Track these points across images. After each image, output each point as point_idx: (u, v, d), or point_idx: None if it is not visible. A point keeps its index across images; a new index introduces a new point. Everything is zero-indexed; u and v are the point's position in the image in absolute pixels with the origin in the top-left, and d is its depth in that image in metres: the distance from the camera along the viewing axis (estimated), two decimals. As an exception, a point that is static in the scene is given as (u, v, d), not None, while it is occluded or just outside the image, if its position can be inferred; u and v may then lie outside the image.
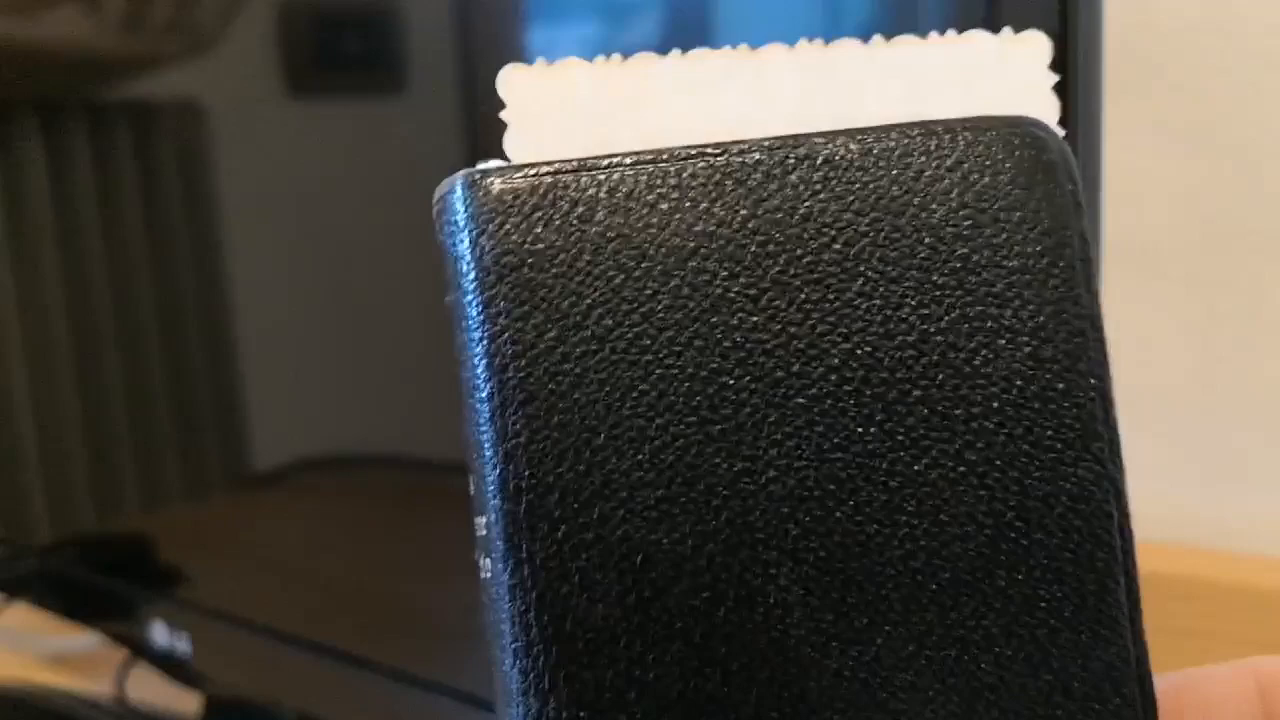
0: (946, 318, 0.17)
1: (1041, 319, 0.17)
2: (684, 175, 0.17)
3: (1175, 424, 0.56)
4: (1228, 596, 0.51)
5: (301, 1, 0.48)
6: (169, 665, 0.58)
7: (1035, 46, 0.19)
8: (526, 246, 0.17)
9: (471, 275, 0.17)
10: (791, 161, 0.17)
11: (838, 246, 0.17)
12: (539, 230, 0.17)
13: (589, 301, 0.17)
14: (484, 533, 0.17)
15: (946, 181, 0.17)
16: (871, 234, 0.17)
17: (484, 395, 0.17)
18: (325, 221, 0.49)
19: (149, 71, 0.55)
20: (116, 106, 0.59)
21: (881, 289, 0.17)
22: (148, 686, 0.62)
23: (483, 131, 0.42)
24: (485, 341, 0.17)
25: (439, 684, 0.46)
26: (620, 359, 0.17)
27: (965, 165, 0.17)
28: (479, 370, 0.17)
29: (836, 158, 0.17)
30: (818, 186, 0.17)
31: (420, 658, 0.47)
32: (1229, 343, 0.56)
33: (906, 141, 0.17)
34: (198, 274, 0.55)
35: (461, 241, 0.17)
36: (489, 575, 0.17)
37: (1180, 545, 0.55)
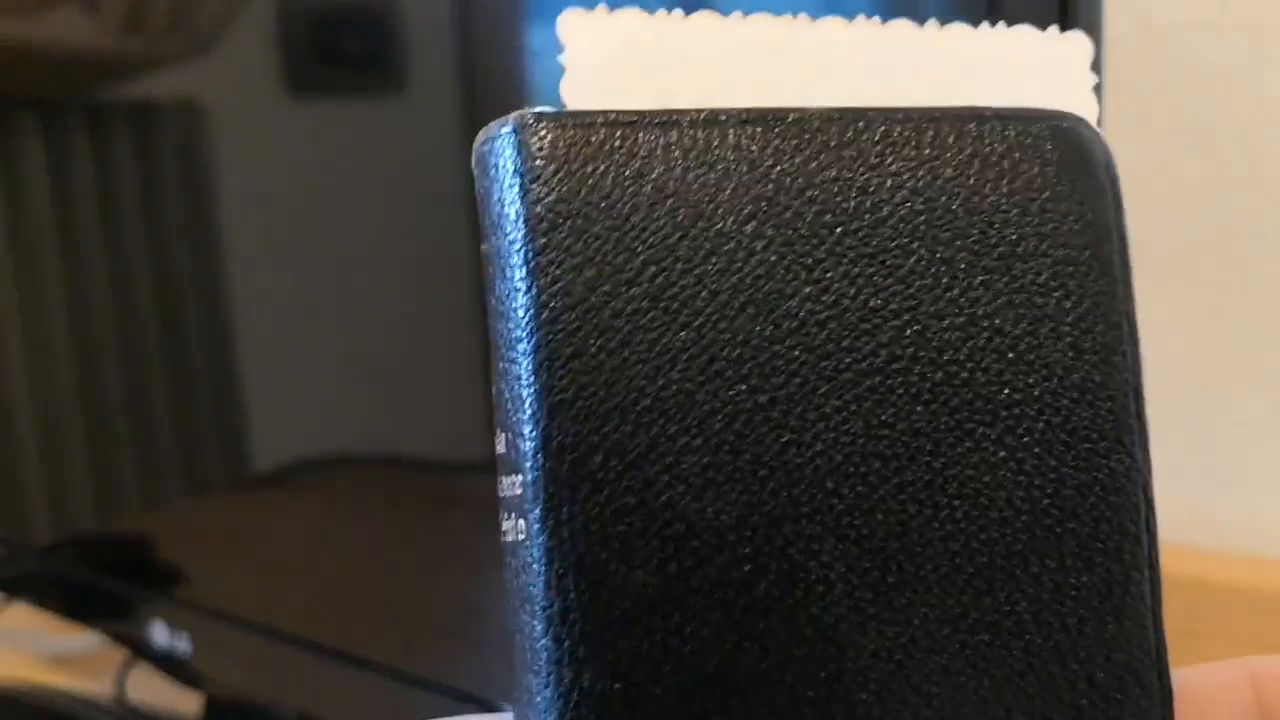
0: (994, 302, 0.17)
1: (1083, 310, 0.17)
2: (742, 138, 0.17)
3: (1175, 424, 0.56)
4: (1228, 596, 0.51)
5: (301, 1, 0.48)
6: (169, 665, 0.58)
7: (1079, 47, 0.19)
8: (581, 196, 0.16)
9: (521, 223, 0.16)
10: (850, 134, 0.17)
11: (893, 222, 0.17)
12: (593, 181, 0.16)
13: (643, 258, 0.16)
14: (517, 492, 0.16)
15: (998, 169, 0.17)
16: (926, 213, 0.17)
17: (528, 348, 0.16)
18: (325, 221, 0.49)
19: (149, 71, 0.55)
20: (116, 106, 0.59)
21: (934, 269, 0.17)
22: (148, 686, 0.62)
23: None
24: (534, 292, 0.16)
25: (439, 684, 0.46)
26: (672, 320, 0.16)
27: (1016, 155, 0.17)
28: (523, 321, 0.16)
29: (894, 135, 0.17)
30: (874, 160, 0.17)
31: (420, 658, 0.47)
32: (1229, 342, 0.56)
33: (961, 126, 0.17)
34: (197, 274, 0.55)
35: (510, 187, 0.16)
36: (520, 537, 0.16)
37: (1180, 545, 0.55)
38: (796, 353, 0.16)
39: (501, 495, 0.17)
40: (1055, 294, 0.17)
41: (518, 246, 0.16)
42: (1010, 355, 0.17)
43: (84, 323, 0.61)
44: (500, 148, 0.17)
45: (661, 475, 0.16)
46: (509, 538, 0.17)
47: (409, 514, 0.49)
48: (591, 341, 0.16)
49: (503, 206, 0.17)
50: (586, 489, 0.16)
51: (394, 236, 0.46)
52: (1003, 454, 0.17)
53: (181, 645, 0.56)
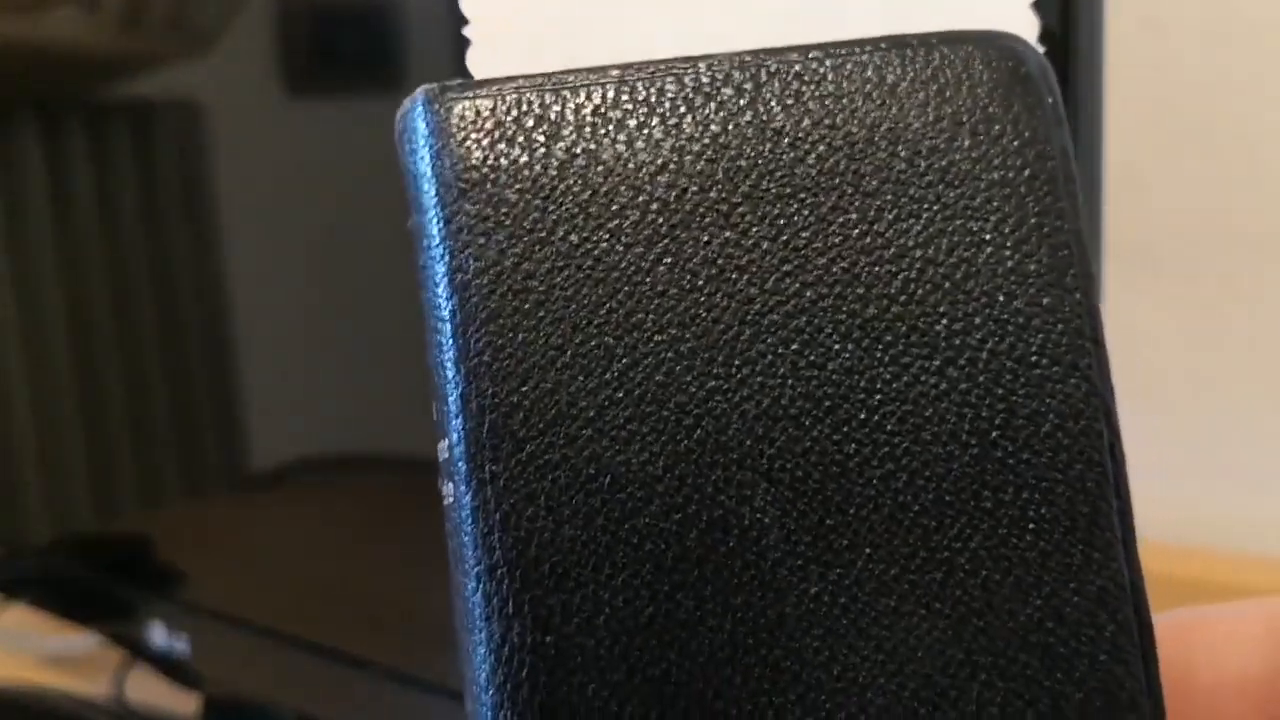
0: (924, 231, 0.16)
1: (1023, 231, 0.16)
2: (653, 91, 0.17)
3: (1175, 423, 0.56)
4: (1227, 596, 0.51)
5: (300, 0, 0.48)
6: (167, 666, 0.58)
7: None
8: (490, 163, 0.16)
9: (432, 193, 0.17)
10: (764, 76, 0.17)
11: (811, 160, 0.17)
12: (502, 147, 0.16)
13: (554, 218, 0.16)
14: (446, 455, 0.16)
15: (922, 95, 0.17)
16: (846, 148, 0.17)
17: (445, 314, 0.17)
18: (324, 220, 0.48)
19: (148, 70, 0.55)
20: (116, 106, 0.59)
21: (857, 203, 0.16)
22: (146, 687, 0.62)
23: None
24: (447, 259, 0.16)
25: (439, 684, 0.45)
26: (587, 276, 0.16)
27: (941, 79, 0.17)
28: (440, 289, 0.17)
29: (809, 72, 0.17)
30: (790, 101, 0.17)
31: (420, 658, 0.47)
32: (1229, 342, 0.56)
33: (881, 55, 0.17)
34: (197, 273, 0.55)
35: (422, 159, 0.17)
36: (451, 500, 0.16)
37: (1180, 545, 0.55)
38: (717, 299, 0.16)
39: (439, 460, 0.17)
40: (992, 218, 0.16)
41: (431, 216, 0.17)
42: (946, 284, 0.16)
43: (83, 323, 0.61)
44: (412, 121, 0.17)
45: (584, 430, 0.16)
46: (446, 500, 0.17)
47: (408, 514, 0.49)
48: (505, 303, 0.16)
49: (418, 179, 0.17)
50: (508, 447, 0.16)
51: (394, 235, 0.46)
52: (944, 386, 0.16)
53: (180, 646, 0.56)
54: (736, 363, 0.16)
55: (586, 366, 0.16)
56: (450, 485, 0.16)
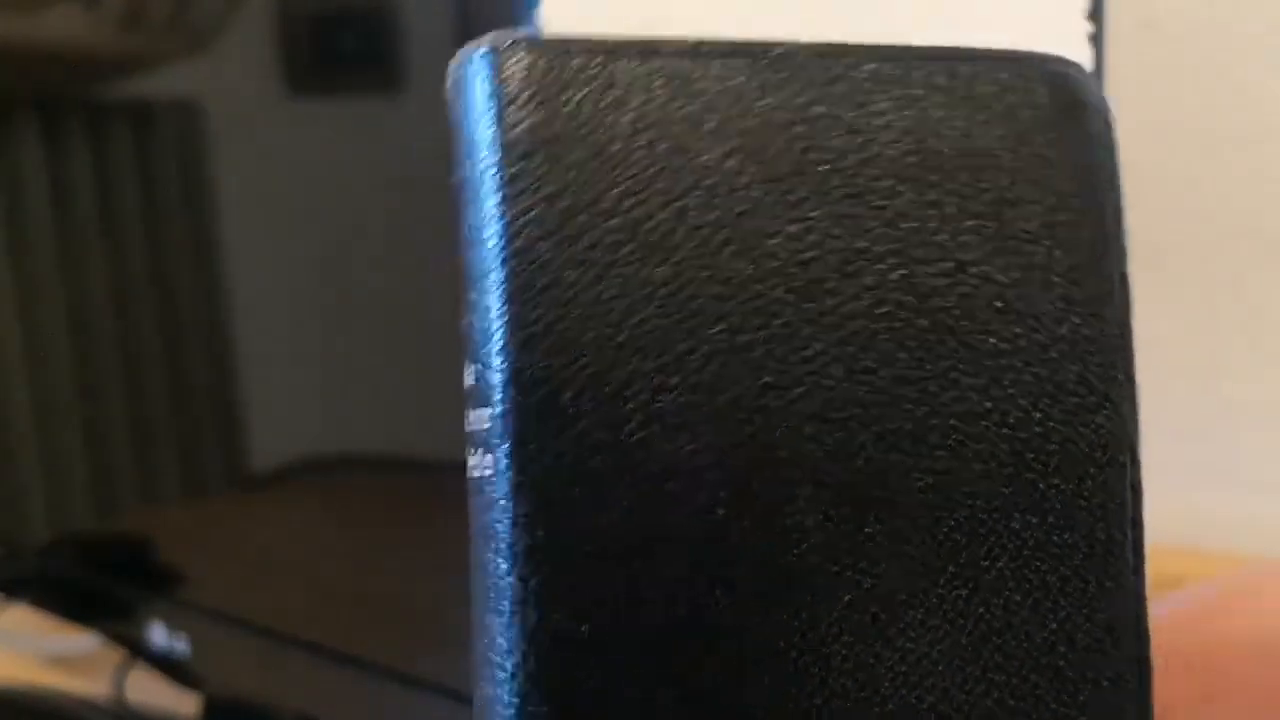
0: (983, 249, 0.16)
1: (1074, 260, 0.16)
2: (727, 69, 0.16)
3: (1176, 423, 0.56)
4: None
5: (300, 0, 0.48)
6: (167, 666, 0.58)
7: None
8: (558, 123, 0.16)
9: (494, 148, 0.16)
10: (838, 70, 0.16)
11: (880, 163, 0.16)
12: (570, 109, 0.16)
13: (621, 190, 0.16)
14: (485, 426, 0.16)
15: (989, 111, 0.17)
16: (915, 154, 0.16)
17: (499, 278, 0.15)
18: (325, 220, 0.48)
19: (148, 70, 0.55)
20: (116, 106, 0.59)
21: (921, 212, 0.16)
22: (146, 687, 0.62)
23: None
24: (506, 220, 0.15)
25: (439, 684, 0.45)
26: (650, 254, 0.16)
27: (1009, 98, 0.17)
28: (495, 251, 0.15)
29: (883, 72, 0.16)
30: (862, 98, 0.16)
31: (420, 658, 0.47)
32: (1230, 342, 0.56)
33: (952, 66, 0.17)
34: (197, 273, 0.55)
35: (486, 112, 0.16)
36: (487, 472, 0.16)
37: (1180, 545, 0.55)
38: (778, 293, 0.16)
39: (469, 430, 0.16)
40: (1045, 243, 0.16)
41: (491, 173, 0.16)
42: (998, 304, 0.16)
43: (83, 322, 0.61)
44: (475, 71, 0.16)
45: (636, 413, 0.15)
46: (475, 473, 0.16)
47: (409, 514, 0.49)
48: (566, 273, 0.15)
49: (476, 131, 0.16)
50: (557, 424, 0.15)
51: (394, 235, 0.46)
52: (988, 404, 0.16)
53: (180, 646, 0.56)
54: (792, 360, 0.16)
55: (643, 349, 0.16)
56: (488, 457, 0.16)
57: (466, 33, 0.44)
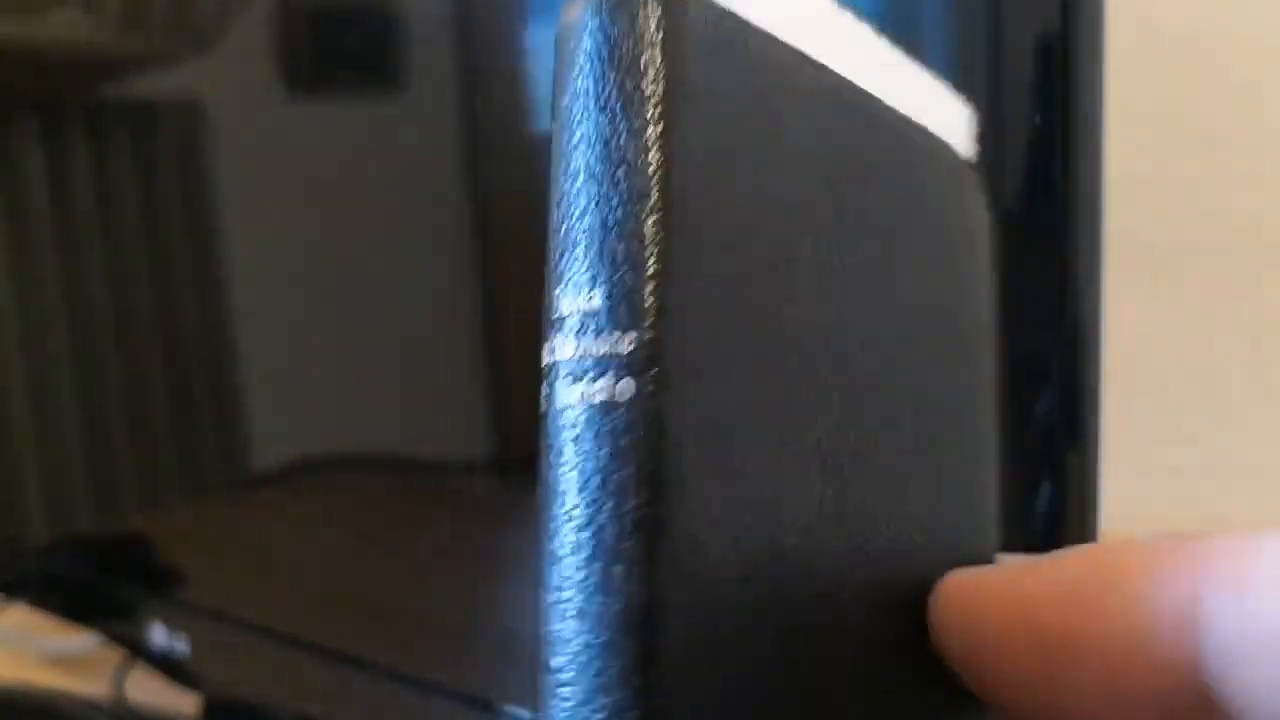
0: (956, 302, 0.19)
1: (982, 299, 0.20)
2: (822, 89, 0.16)
3: (1175, 424, 0.56)
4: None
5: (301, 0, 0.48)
6: (167, 666, 0.58)
7: (965, 111, 0.20)
8: (732, 78, 0.15)
9: (664, 78, 0.14)
10: (857, 98, 0.17)
11: (881, 208, 0.17)
12: (743, 72, 0.15)
13: (748, 154, 0.15)
14: (626, 349, 0.14)
15: (966, 198, 0.20)
16: (916, 215, 0.18)
17: (659, 202, 0.14)
18: (325, 220, 0.48)
19: (148, 70, 0.55)
20: (116, 106, 0.59)
21: (916, 276, 0.18)
22: (146, 687, 0.62)
23: (482, 130, 0.42)
24: (671, 147, 0.14)
25: (439, 684, 0.45)
26: (780, 230, 0.15)
27: (968, 190, 0.20)
28: (655, 174, 0.14)
29: (915, 139, 0.18)
30: (901, 160, 0.18)
31: (420, 658, 0.47)
32: (1229, 342, 0.56)
33: (922, 134, 0.19)
34: (197, 273, 0.55)
35: (657, 45, 0.14)
36: (626, 397, 0.14)
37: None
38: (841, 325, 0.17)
39: (589, 355, 0.14)
40: (973, 298, 0.20)
41: (658, 97, 0.14)
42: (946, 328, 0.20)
43: (83, 323, 0.61)
44: (623, 11, 0.15)
45: (783, 384, 0.15)
46: (599, 398, 0.14)
47: (409, 514, 0.49)
48: (724, 216, 0.15)
49: (642, 57, 0.15)
50: (727, 355, 0.14)
51: (394, 235, 0.46)
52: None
53: (180, 646, 0.56)
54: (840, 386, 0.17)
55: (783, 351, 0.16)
56: (627, 381, 0.14)
57: (467, 33, 0.44)
